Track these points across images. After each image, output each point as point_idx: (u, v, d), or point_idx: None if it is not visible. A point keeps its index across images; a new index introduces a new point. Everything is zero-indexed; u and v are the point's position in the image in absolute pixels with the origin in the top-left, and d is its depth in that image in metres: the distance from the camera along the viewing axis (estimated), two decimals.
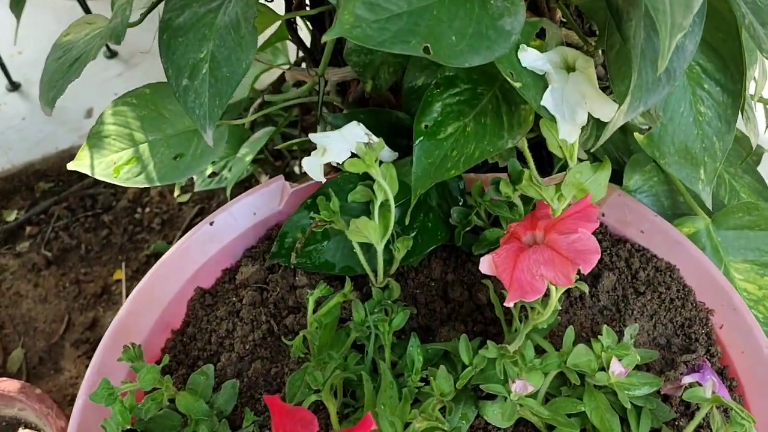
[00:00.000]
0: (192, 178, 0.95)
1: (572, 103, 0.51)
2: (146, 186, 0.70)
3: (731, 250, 0.69)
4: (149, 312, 0.67)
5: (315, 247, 0.65)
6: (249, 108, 1.16)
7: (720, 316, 0.64)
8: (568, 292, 0.66)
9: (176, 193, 1.02)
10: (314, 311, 0.57)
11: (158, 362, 0.57)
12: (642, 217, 0.68)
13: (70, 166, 0.70)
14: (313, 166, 0.58)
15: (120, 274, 1.27)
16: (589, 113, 0.52)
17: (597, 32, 0.77)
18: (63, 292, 1.25)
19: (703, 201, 0.55)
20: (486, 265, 0.49)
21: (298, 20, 0.85)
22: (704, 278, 0.65)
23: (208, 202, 1.32)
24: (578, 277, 0.50)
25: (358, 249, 0.62)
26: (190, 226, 1.32)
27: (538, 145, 0.65)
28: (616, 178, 0.73)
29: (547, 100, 0.51)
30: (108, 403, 0.52)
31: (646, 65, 0.47)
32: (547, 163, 0.82)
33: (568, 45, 0.67)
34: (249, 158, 0.86)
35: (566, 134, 0.51)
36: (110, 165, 0.70)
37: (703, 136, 0.54)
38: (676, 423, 0.58)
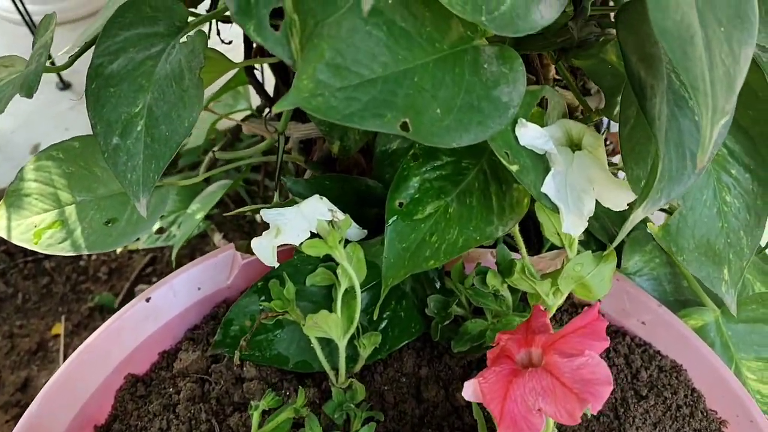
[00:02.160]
0: (140, 249, 0.84)
1: (578, 189, 0.42)
2: (72, 254, 0.60)
3: (743, 346, 0.61)
4: (67, 407, 0.56)
5: (266, 336, 0.55)
6: (207, 150, 1.06)
7: (734, 428, 0.55)
8: None
9: (119, 249, 0.92)
10: (261, 424, 0.47)
11: None
12: (643, 306, 0.60)
13: None
14: (264, 249, 0.48)
15: (59, 328, 1.15)
16: (597, 201, 0.43)
17: (591, 91, 0.69)
18: None
19: (727, 305, 0.47)
20: (470, 391, 0.39)
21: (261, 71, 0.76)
22: (716, 382, 0.56)
23: (161, 251, 1.21)
24: None
25: (316, 344, 0.52)
26: (140, 276, 1.21)
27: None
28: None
29: (549, 186, 0.42)
30: None
31: (670, 150, 0.39)
32: (534, 231, 0.73)
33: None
34: (200, 216, 0.77)
35: (571, 227, 0.42)
36: (30, 228, 0.60)
37: (729, 230, 0.46)
38: None
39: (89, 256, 1.24)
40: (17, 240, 0.60)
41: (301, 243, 0.48)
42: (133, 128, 0.50)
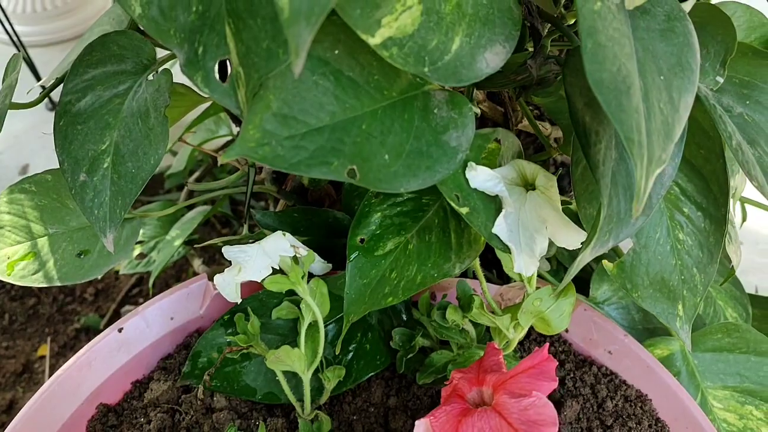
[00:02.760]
0: (119, 273, 0.85)
1: (530, 230, 0.43)
2: (45, 285, 0.60)
3: (709, 375, 0.61)
4: None
5: (233, 368, 0.56)
6: (192, 172, 1.07)
7: None
8: None
9: (99, 275, 0.92)
10: None
11: None
12: (610, 336, 0.60)
13: None
14: (227, 286, 0.49)
15: (45, 350, 1.15)
16: (549, 240, 0.44)
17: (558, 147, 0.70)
18: None
19: (682, 340, 0.48)
20: (422, 430, 0.40)
21: None
22: (680, 413, 0.57)
23: (147, 273, 1.22)
24: None
25: (281, 377, 0.52)
26: (127, 297, 1.21)
27: None
28: (582, 287, 0.65)
29: (501, 227, 0.43)
30: None
31: (618, 192, 0.39)
32: None
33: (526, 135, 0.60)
34: (178, 242, 0.77)
35: (522, 267, 0.43)
36: (3, 260, 0.60)
37: (683, 267, 0.47)
38: None
39: None
40: None
41: (263, 279, 0.49)
42: (99, 165, 0.51)
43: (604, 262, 0.47)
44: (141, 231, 0.84)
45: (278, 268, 0.50)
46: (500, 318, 0.49)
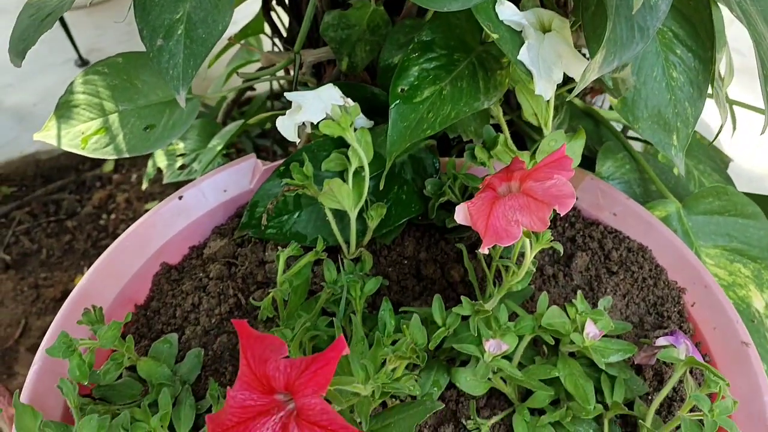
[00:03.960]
0: (163, 183, 0.93)
1: (548, 62, 0.51)
2: (114, 157, 0.68)
3: (702, 235, 0.69)
4: (111, 284, 0.65)
5: (287, 218, 0.64)
6: (226, 113, 1.15)
7: (692, 294, 0.64)
8: (541, 271, 0.65)
9: (144, 185, 1.00)
10: (284, 272, 0.55)
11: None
12: (615, 200, 0.69)
13: (36, 136, 0.68)
14: (287, 126, 0.57)
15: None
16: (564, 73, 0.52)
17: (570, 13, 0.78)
18: (20, 296, 1.21)
19: (676, 165, 0.56)
20: (461, 214, 0.48)
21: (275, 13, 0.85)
22: (676, 257, 0.65)
23: None
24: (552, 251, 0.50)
25: (330, 217, 0.60)
26: None
27: (511, 135, 0.65)
28: (589, 166, 0.73)
29: (524, 55, 0.51)
30: (65, 356, 0.49)
31: (620, 20, 0.48)
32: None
33: None
34: (219, 148, 0.85)
35: (542, 90, 0.51)
36: (78, 135, 0.68)
37: (676, 102, 0.55)
38: (649, 397, 0.57)
39: (109, 215, 1.33)
40: (66, 146, 0.68)
41: (318, 123, 0.57)
42: (174, 32, 0.59)
43: (610, 98, 0.56)
44: (182, 144, 0.92)
45: (330, 116, 0.58)
46: (520, 154, 0.57)
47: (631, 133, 0.89)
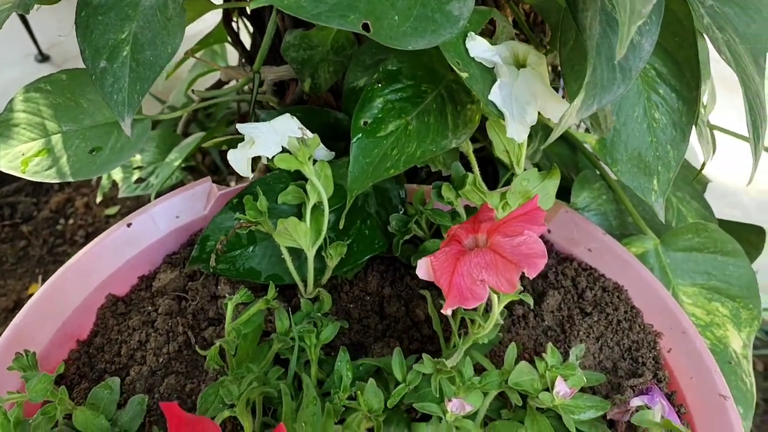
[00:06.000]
0: (117, 186, 0.88)
1: (522, 101, 0.47)
2: (57, 181, 0.63)
3: (680, 272, 0.66)
4: (50, 320, 0.60)
5: (240, 252, 0.59)
6: (186, 122, 1.10)
7: (668, 339, 0.60)
8: (510, 310, 0.62)
9: (98, 198, 0.95)
10: (234, 319, 0.51)
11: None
12: (590, 235, 0.65)
13: None
14: (238, 160, 0.53)
15: (35, 288, 1.18)
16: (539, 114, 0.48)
17: (547, 43, 0.74)
18: None
19: (656, 213, 0.52)
20: (423, 269, 0.44)
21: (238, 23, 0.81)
22: (653, 300, 0.62)
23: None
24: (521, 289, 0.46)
25: (286, 255, 0.56)
26: None
27: (483, 160, 0.62)
28: (564, 196, 0.70)
29: (495, 95, 0.47)
30: None
31: (601, 62, 0.44)
32: (492, 179, 0.79)
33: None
34: (177, 162, 0.81)
35: (514, 133, 0.47)
36: (18, 156, 0.63)
37: (657, 144, 0.51)
38: None
39: (66, 220, 1.27)
40: (5, 168, 0.63)
41: (273, 157, 0.53)
42: (119, 53, 0.55)
43: (589, 138, 0.52)
44: (140, 156, 0.87)
45: (287, 149, 0.54)
46: (490, 195, 0.53)
47: None
